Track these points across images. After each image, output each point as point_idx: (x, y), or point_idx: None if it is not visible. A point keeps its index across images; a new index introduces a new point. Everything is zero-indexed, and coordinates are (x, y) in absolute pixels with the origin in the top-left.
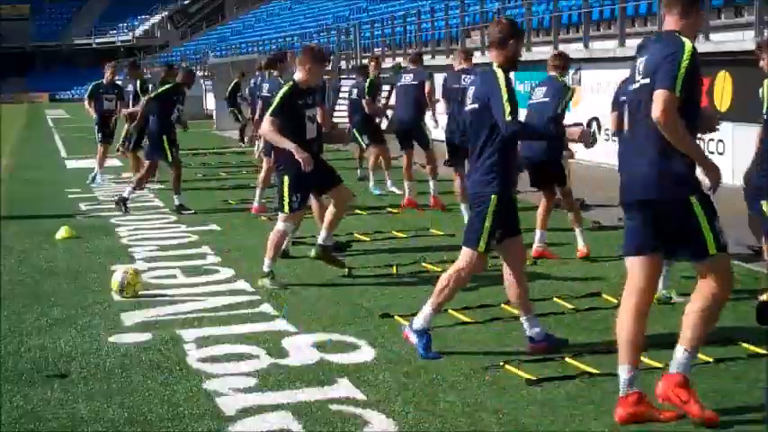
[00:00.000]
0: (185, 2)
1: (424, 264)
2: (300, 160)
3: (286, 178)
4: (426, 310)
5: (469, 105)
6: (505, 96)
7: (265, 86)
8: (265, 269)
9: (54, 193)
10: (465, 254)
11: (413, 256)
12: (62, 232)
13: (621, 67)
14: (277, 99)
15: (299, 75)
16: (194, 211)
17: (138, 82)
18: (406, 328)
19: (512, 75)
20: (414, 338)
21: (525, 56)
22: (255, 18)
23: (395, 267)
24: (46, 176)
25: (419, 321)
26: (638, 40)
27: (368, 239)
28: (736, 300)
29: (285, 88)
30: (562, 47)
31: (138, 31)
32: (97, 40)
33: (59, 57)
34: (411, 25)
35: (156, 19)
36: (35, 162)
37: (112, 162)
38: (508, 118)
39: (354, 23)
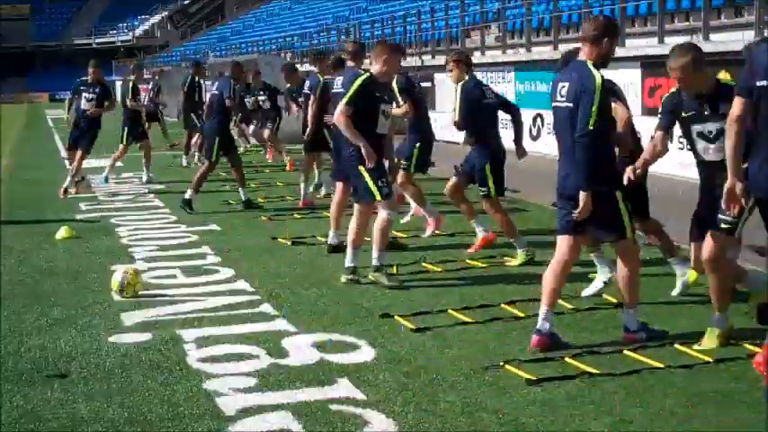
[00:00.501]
0: (185, 2)
1: (424, 264)
2: (365, 157)
3: (362, 168)
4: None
5: (561, 102)
6: (597, 105)
7: (306, 83)
8: (375, 263)
9: (54, 193)
10: (622, 247)
11: (413, 256)
12: (62, 232)
13: (621, 67)
14: (353, 88)
15: (375, 67)
16: (194, 211)
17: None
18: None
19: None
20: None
21: (525, 56)
22: (255, 18)
23: (395, 267)
24: (46, 176)
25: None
26: (638, 41)
27: (368, 239)
28: (736, 300)
29: (361, 78)
30: (562, 47)
31: (138, 31)
32: (97, 40)
33: (59, 57)
34: (411, 25)
35: (156, 19)
36: (35, 162)
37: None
38: (590, 127)
39: (354, 23)
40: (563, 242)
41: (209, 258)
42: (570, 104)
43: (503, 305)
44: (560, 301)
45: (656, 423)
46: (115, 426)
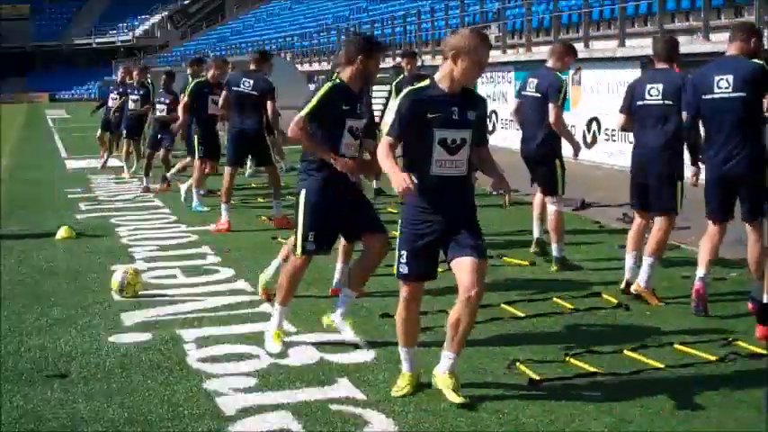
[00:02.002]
0: (185, 2)
1: None
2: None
3: (558, 162)
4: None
5: (726, 93)
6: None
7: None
8: (557, 254)
9: (54, 193)
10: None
11: None
12: (62, 232)
13: (621, 67)
14: (563, 92)
15: (559, 65)
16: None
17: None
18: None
19: None
20: None
21: (525, 56)
22: (255, 18)
23: (395, 267)
24: (46, 176)
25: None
26: (638, 41)
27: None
28: (736, 300)
29: (563, 79)
30: None
31: (138, 31)
32: (97, 40)
33: (59, 57)
34: (411, 25)
35: (156, 19)
36: (35, 162)
37: (113, 162)
38: None
39: (354, 23)
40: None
41: (209, 258)
42: (742, 94)
43: (503, 305)
44: (560, 301)
45: (656, 423)
46: (115, 426)
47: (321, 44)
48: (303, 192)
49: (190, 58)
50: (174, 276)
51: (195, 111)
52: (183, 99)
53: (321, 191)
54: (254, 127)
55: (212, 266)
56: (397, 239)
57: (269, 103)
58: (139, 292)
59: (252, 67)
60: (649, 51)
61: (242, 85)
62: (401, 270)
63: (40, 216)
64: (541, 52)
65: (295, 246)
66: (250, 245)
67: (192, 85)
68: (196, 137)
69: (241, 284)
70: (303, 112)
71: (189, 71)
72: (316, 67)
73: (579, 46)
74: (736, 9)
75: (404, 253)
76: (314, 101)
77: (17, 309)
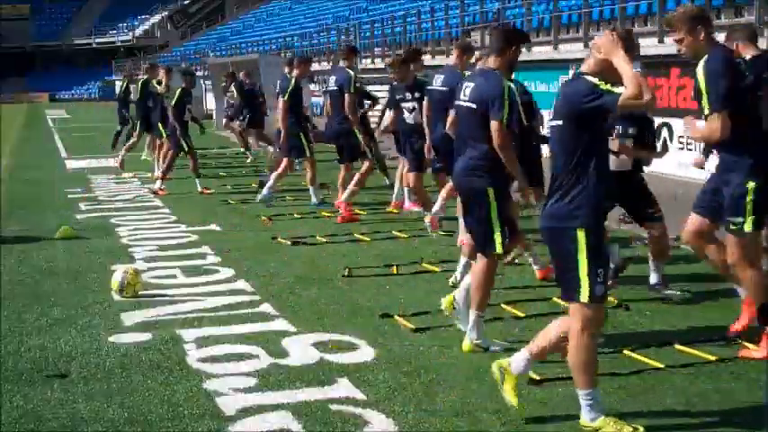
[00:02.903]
0: (185, 2)
1: (424, 264)
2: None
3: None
4: None
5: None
6: None
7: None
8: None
9: (54, 193)
10: None
11: (413, 256)
12: (62, 232)
13: None
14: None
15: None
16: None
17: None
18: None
19: None
20: None
21: (525, 56)
22: (255, 18)
23: (395, 267)
24: (46, 176)
25: None
26: (638, 41)
27: (368, 239)
28: (735, 299)
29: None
30: (562, 47)
31: (138, 31)
32: (97, 40)
33: (59, 57)
34: (411, 25)
35: (156, 19)
36: (35, 162)
37: (110, 162)
38: None
39: (354, 23)
40: None
41: (209, 258)
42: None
43: (503, 305)
44: (560, 302)
45: (656, 423)
46: (115, 426)
47: (321, 44)
48: (492, 190)
49: (290, 56)
50: (174, 276)
51: (294, 111)
52: (281, 100)
53: (506, 187)
54: (337, 123)
55: (212, 266)
56: (588, 252)
57: (346, 96)
58: (139, 292)
59: (341, 63)
60: (650, 51)
61: (329, 83)
62: (597, 292)
63: (40, 216)
64: (542, 52)
65: (494, 245)
66: (250, 245)
67: (293, 85)
68: (303, 136)
69: (241, 284)
70: (503, 118)
71: (287, 70)
72: (316, 67)
73: (579, 46)
74: (736, 9)
75: (601, 271)
76: (506, 103)
77: (17, 309)
